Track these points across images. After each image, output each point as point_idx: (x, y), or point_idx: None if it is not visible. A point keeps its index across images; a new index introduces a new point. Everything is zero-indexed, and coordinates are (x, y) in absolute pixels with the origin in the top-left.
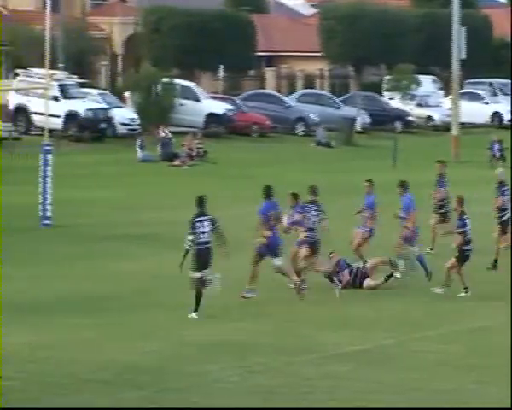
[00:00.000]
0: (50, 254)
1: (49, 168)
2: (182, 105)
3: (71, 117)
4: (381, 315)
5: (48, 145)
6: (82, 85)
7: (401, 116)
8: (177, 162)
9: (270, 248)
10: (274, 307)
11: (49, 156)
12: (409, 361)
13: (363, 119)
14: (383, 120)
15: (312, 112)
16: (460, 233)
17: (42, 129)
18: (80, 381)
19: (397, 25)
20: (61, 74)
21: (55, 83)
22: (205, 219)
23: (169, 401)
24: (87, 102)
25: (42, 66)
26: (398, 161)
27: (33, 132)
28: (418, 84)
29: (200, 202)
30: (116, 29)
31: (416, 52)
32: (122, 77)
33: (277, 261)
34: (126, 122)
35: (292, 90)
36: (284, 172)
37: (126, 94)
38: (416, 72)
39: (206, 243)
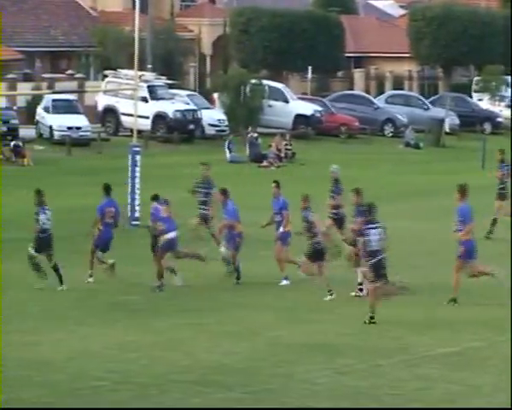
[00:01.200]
0: (143, 255)
1: (137, 169)
2: (270, 106)
3: (159, 118)
4: (464, 317)
5: (136, 146)
6: (170, 87)
7: (490, 117)
8: (265, 163)
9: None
10: (355, 308)
11: (138, 157)
12: (502, 364)
13: (451, 120)
14: (472, 121)
15: (401, 113)
16: None
17: (130, 130)
18: (169, 382)
19: (486, 26)
20: (149, 75)
21: (144, 84)
22: None
23: (259, 401)
24: (175, 104)
25: (130, 67)
26: (487, 162)
27: (122, 133)
28: (508, 85)
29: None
30: (205, 30)
31: (505, 53)
32: (210, 78)
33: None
34: (215, 123)
35: (380, 92)
36: (375, 173)
37: (215, 95)
38: (505, 73)
39: None
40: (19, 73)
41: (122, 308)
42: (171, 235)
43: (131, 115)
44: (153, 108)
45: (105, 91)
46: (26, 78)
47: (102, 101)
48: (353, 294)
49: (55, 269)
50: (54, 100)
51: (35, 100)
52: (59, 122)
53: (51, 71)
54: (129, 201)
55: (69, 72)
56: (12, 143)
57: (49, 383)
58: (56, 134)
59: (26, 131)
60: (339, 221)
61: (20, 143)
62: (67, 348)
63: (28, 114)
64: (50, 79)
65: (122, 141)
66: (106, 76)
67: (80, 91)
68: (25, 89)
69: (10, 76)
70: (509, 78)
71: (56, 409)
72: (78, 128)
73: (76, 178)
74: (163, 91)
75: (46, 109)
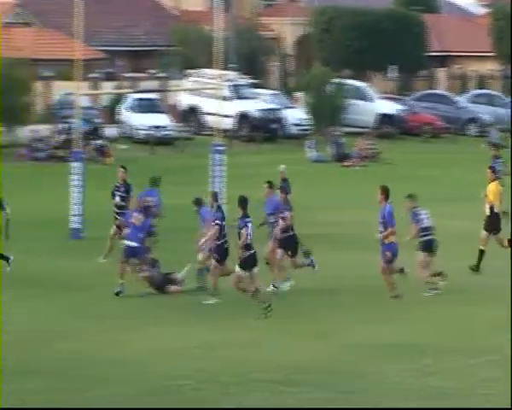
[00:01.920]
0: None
1: (219, 168)
2: (353, 105)
3: (242, 117)
4: None
5: (219, 145)
6: (254, 86)
7: None
8: (348, 163)
9: None
10: (432, 307)
11: (221, 156)
12: None
13: None
14: None
15: (484, 112)
16: None
17: (213, 129)
18: (252, 381)
19: None
20: (232, 75)
21: (227, 83)
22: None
23: (346, 401)
24: (258, 103)
25: (213, 66)
26: None
27: (205, 132)
28: None
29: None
30: (287, 29)
31: None
32: (293, 77)
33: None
34: (297, 122)
35: (463, 91)
36: (460, 172)
37: (298, 94)
38: None
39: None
40: (101, 72)
41: (205, 308)
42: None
43: (214, 114)
44: (236, 107)
45: (188, 90)
46: (109, 77)
47: (185, 100)
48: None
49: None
50: (136, 99)
51: (117, 99)
52: (142, 121)
53: (133, 70)
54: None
55: (151, 71)
56: (95, 143)
57: (132, 381)
58: (139, 133)
59: (109, 131)
60: None
61: (104, 143)
62: (151, 346)
63: (111, 114)
64: (133, 79)
65: (205, 140)
66: (188, 75)
67: (162, 91)
68: (107, 88)
69: (93, 75)
70: None
71: (139, 409)
72: (161, 127)
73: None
74: (246, 90)
75: (129, 109)
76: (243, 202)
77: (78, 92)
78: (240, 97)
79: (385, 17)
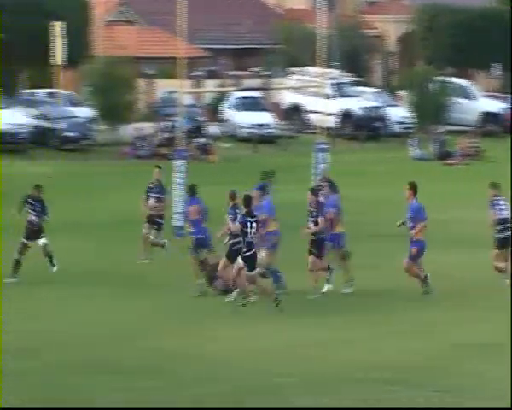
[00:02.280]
0: None
1: (322, 167)
2: (456, 104)
3: (345, 116)
4: None
5: (322, 144)
6: (356, 84)
7: None
8: (450, 161)
9: None
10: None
11: (324, 154)
12: None
13: None
14: None
15: None
16: None
17: (316, 127)
18: (353, 380)
19: None
20: (335, 73)
21: (330, 81)
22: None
23: (441, 401)
24: (361, 101)
25: (316, 64)
26: None
27: (308, 131)
28: None
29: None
30: (390, 27)
31: None
32: (396, 75)
33: None
34: (401, 121)
35: None
36: None
37: (400, 92)
38: None
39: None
40: (204, 70)
41: (299, 306)
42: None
43: (318, 113)
44: (338, 105)
45: (291, 89)
46: (212, 75)
47: (288, 98)
48: None
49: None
50: (239, 97)
51: (220, 97)
52: (245, 119)
53: (236, 68)
54: None
55: (254, 69)
56: (198, 141)
57: (231, 379)
58: (242, 131)
59: (212, 129)
60: None
61: (207, 141)
62: (250, 344)
63: (214, 112)
64: (236, 77)
65: (308, 138)
66: (291, 73)
67: (266, 89)
68: (210, 86)
69: (196, 74)
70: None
71: (236, 409)
72: (264, 125)
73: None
74: (349, 89)
75: (232, 107)
76: (247, 200)
77: (181, 90)
78: (343, 95)
79: (488, 15)
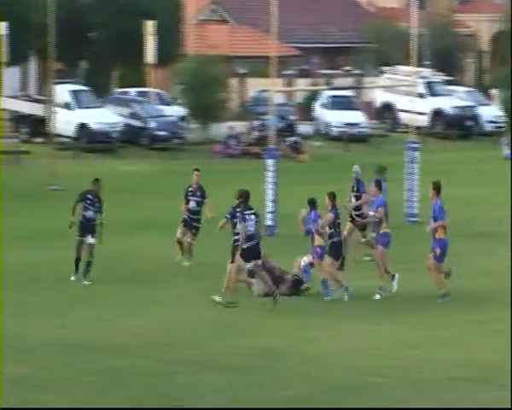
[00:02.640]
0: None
1: (414, 165)
2: None
3: (437, 114)
4: None
5: (414, 143)
6: (448, 83)
7: None
8: None
9: None
10: None
11: (416, 154)
12: None
13: None
14: None
15: None
16: None
17: (408, 126)
18: (447, 379)
19: None
20: (427, 72)
21: (421, 80)
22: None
23: None
24: (453, 100)
25: (407, 63)
26: None
27: (400, 130)
28: None
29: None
30: (482, 26)
31: None
32: (489, 74)
33: None
34: (492, 120)
35: None
36: None
37: (493, 91)
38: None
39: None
40: (296, 69)
41: (395, 305)
42: None
43: (409, 111)
44: (430, 104)
45: (382, 87)
46: (303, 74)
47: (380, 97)
48: None
49: None
50: (331, 96)
51: (312, 96)
52: (336, 118)
53: (328, 67)
54: (406, 197)
55: (346, 68)
56: (290, 139)
57: (327, 379)
58: (334, 130)
59: (304, 128)
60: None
61: (298, 140)
62: (343, 344)
63: (305, 111)
64: (327, 76)
65: (399, 137)
66: (383, 72)
67: (357, 87)
68: (302, 85)
69: (287, 72)
70: None
71: (332, 409)
72: (356, 124)
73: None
74: (440, 88)
75: (323, 105)
76: (244, 195)
77: (272, 89)
78: (434, 94)
79: None
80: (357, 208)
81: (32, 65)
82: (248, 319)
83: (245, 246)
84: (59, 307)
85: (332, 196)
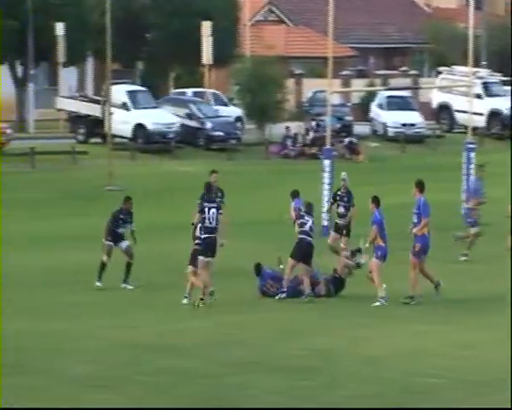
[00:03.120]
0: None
1: (471, 166)
2: None
3: (494, 115)
4: None
5: (471, 143)
6: (505, 83)
7: None
8: None
9: None
10: None
11: (472, 154)
12: None
13: None
14: None
15: None
16: None
17: (465, 127)
18: (501, 381)
19: None
20: (483, 72)
21: (478, 81)
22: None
23: None
24: (509, 100)
25: (464, 63)
26: None
27: (456, 130)
28: None
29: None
30: None
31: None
32: None
33: None
34: None
35: None
36: None
37: None
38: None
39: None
40: (353, 69)
41: (449, 307)
42: None
43: (465, 112)
44: (487, 104)
45: (439, 88)
46: (360, 74)
47: (437, 97)
48: None
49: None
50: (388, 97)
51: (369, 97)
52: (393, 119)
53: (385, 68)
54: (463, 198)
55: (403, 68)
56: (346, 140)
57: (382, 380)
58: (390, 131)
59: (360, 128)
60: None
61: (355, 140)
62: (399, 344)
63: (362, 111)
64: (384, 76)
65: (456, 138)
66: (440, 73)
67: (414, 88)
68: (358, 86)
69: (344, 73)
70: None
71: (389, 409)
72: (413, 125)
73: (409, 175)
74: (497, 88)
75: (380, 106)
76: (207, 187)
77: (329, 90)
78: (491, 95)
79: None
80: (343, 215)
81: (89, 65)
82: (302, 320)
83: (203, 236)
84: (116, 308)
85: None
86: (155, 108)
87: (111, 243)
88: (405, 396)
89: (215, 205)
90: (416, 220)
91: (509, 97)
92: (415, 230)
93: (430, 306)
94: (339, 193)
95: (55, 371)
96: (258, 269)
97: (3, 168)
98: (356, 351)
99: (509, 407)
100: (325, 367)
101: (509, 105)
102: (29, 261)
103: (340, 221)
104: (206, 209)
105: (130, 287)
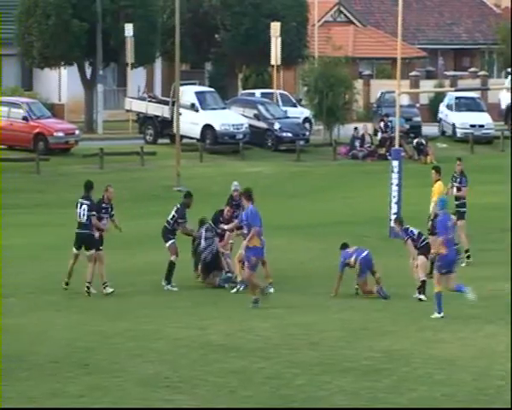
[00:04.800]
0: None
1: None
2: None
3: None
4: None
5: None
6: None
7: None
8: None
9: None
10: None
11: None
12: None
13: None
14: None
15: None
16: None
17: None
18: None
19: None
20: None
21: None
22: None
23: None
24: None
25: None
26: None
27: None
28: None
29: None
30: None
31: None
32: None
33: None
34: None
35: None
36: None
37: None
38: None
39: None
40: (421, 70)
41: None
42: None
43: None
44: None
45: (507, 89)
46: (429, 75)
47: (505, 99)
48: None
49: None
50: (457, 98)
51: (437, 98)
52: (462, 120)
53: (454, 68)
54: None
55: (472, 69)
56: (415, 141)
57: (452, 381)
58: (459, 132)
59: (429, 129)
60: None
61: (423, 141)
62: (473, 346)
63: (431, 112)
64: (453, 77)
65: None
66: (509, 73)
67: (483, 89)
68: (427, 87)
69: (413, 74)
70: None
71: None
72: (481, 126)
73: (478, 176)
74: None
75: (449, 107)
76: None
77: (398, 91)
78: None
79: None
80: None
81: (158, 66)
82: (372, 321)
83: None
84: (184, 308)
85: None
86: (224, 108)
87: (174, 241)
88: (477, 398)
89: (87, 203)
90: None
91: None
92: None
93: (502, 308)
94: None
95: (124, 372)
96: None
97: (73, 168)
98: (426, 353)
99: (509, 407)
100: (395, 369)
101: None
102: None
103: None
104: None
105: (175, 289)
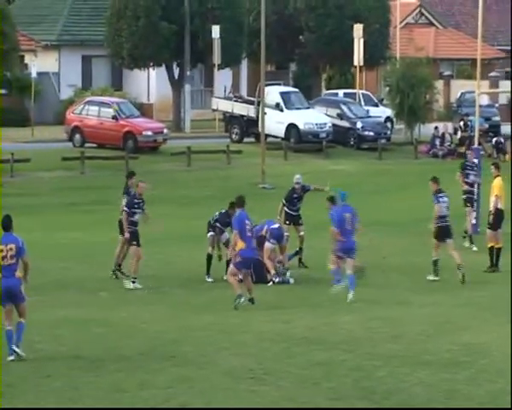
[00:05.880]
0: None
1: None
2: None
3: None
4: None
5: None
6: None
7: None
8: None
9: None
10: None
11: None
12: None
13: None
14: None
15: None
16: None
17: None
18: None
19: None
20: None
21: None
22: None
23: None
24: None
25: None
26: None
27: None
28: None
29: None
30: None
31: None
32: None
33: None
34: None
35: None
36: None
37: None
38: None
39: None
40: (501, 71)
41: None
42: None
43: None
44: None
45: None
46: (508, 76)
47: None
48: None
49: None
50: None
51: None
52: None
53: None
54: None
55: None
56: (494, 140)
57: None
58: None
59: (507, 128)
60: None
61: (502, 140)
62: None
63: (509, 112)
64: None
65: None
66: None
67: None
68: (506, 87)
69: (492, 74)
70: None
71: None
72: None
73: None
74: None
75: None
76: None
77: (477, 91)
78: None
79: None
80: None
81: (244, 67)
82: (454, 315)
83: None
84: (268, 302)
85: None
86: (308, 108)
87: (213, 234)
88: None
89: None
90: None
91: None
92: None
93: None
94: None
95: (210, 364)
96: None
97: (161, 166)
98: (507, 347)
99: (509, 407)
100: (475, 362)
101: None
102: (178, 259)
103: None
104: (136, 205)
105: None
